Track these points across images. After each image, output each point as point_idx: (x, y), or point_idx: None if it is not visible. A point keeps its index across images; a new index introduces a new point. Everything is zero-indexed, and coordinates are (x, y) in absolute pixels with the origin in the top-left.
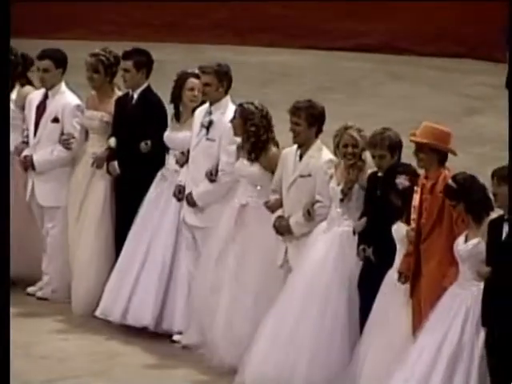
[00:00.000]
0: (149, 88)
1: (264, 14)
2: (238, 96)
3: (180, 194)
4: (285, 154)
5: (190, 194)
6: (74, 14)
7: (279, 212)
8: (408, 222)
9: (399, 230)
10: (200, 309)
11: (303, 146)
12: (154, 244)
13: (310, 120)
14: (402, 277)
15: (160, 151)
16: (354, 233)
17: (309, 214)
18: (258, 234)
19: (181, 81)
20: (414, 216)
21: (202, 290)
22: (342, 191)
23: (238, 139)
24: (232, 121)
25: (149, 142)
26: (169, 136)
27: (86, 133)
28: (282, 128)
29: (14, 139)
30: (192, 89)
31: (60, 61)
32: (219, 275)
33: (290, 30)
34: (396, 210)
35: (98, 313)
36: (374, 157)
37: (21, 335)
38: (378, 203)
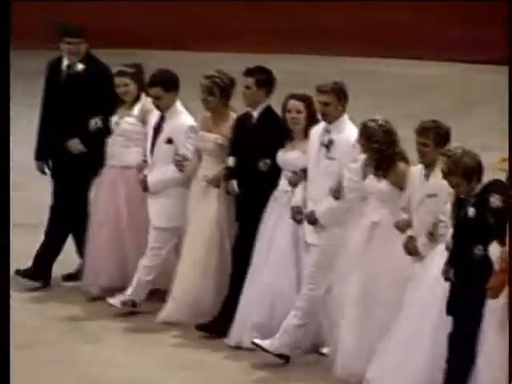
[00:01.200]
0: (269, 107)
1: (409, 27)
2: (378, 108)
3: (298, 214)
4: (412, 173)
5: (312, 212)
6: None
7: (409, 232)
8: (503, 243)
9: (494, 250)
10: (332, 323)
11: (429, 166)
12: (270, 276)
13: (437, 140)
14: (492, 292)
15: (277, 171)
16: (447, 249)
17: (431, 235)
18: (389, 250)
19: (285, 102)
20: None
21: (333, 305)
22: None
23: (362, 156)
24: (357, 139)
25: (268, 161)
26: (281, 156)
27: (199, 154)
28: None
29: (137, 152)
30: (289, 111)
31: (170, 84)
32: (349, 290)
33: (436, 43)
34: (488, 231)
35: (231, 343)
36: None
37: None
38: (469, 224)
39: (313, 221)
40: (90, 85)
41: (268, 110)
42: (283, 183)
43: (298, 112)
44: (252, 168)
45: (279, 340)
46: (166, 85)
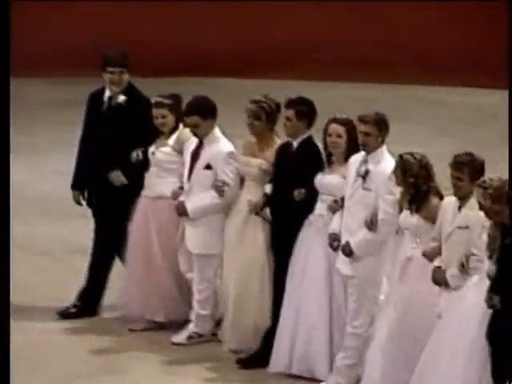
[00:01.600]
0: (309, 138)
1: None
2: (447, 135)
3: (335, 242)
4: (444, 204)
5: (347, 243)
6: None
7: (437, 262)
8: None
9: None
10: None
11: (463, 199)
12: (304, 302)
13: (472, 174)
14: None
15: (314, 199)
16: (489, 277)
17: (463, 267)
18: (422, 285)
19: (326, 125)
20: None
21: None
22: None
23: (398, 189)
24: (393, 171)
25: (303, 191)
26: (319, 179)
27: (241, 179)
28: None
29: (172, 182)
30: (330, 135)
31: (207, 112)
32: (382, 325)
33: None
34: None
35: (275, 369)
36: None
37: None
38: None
39: (348, 252)
40: (132, 116)
41: (308, 141)
42: (319, 207)
43: (339, 136)
44: (286, 196)
45: (334, 381)
46: (202, 113)
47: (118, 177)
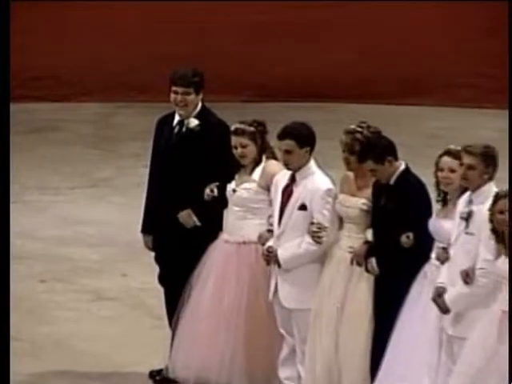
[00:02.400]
0: (407, 169)
1: None
2: None
3: (440, 297)
4: None
5: (443, 299)
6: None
7: None
8: None
9: None
10: None
11: None
12: (412, 357)
13: None
14: None
15: (425, 245)
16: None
17: None
18: None
19: (438, 159)
20: None
21: None
22: None
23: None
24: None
25: (411, 235)
26: (433, 224)
27: (340, 221)
28: None
29: (258, 224)
30: (441, 169)
31: (304, 139)
32: None
33: None
34: None
35: None
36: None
37: None
38: None
39: (444, 309)
40: (205, 145)
41: (406, 173)
42: (434, 257)
43: (452, 171)
44: (392, 243)
45: None
46: (299, 138)
47: (188, 217)
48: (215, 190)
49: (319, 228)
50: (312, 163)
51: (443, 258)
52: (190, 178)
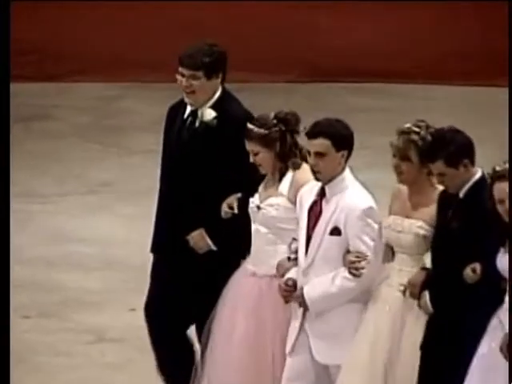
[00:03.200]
0: (481, 180)
1: None
2: None
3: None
4: None
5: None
6: None
7: None
8: None
9: None
10: None
11: None
12: None
13: None
14: None
15: (495, 282)
16: None
17: None
18: None
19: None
20: None
21: None
22: None
23: None
24: None
25: (478, 267)
26: (500, 259)
27: (391, 251)
28: None
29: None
30: (501, 201)
31: (343, 139)
32: None
33: None
34: None
35: None
36: None
37: None
38: None
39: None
40: (223, 145)
41: (482, 184)
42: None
43: None
44: (454, 276)
45: None
46: (336, 138)
47: (201, 239)
48: (235, 205)
49: (358, 257)
50: (348, 173)
51: None
52: (204, 187)
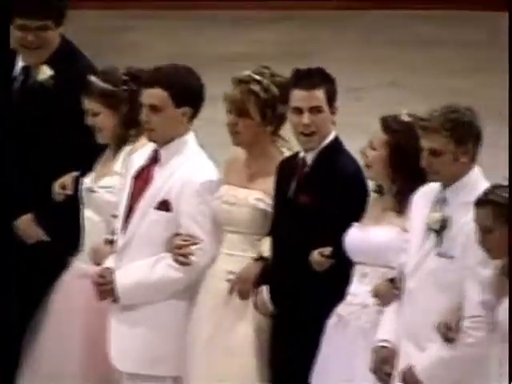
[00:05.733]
0: (336, 143)
1: None
2: None
3: (386, 366)
4: None
5: (409, 369)
6: None
7: None
8: None
9: None
10: None
11: None
12: None
13: None
14: None
15: (346, 271)
16: None
17: None
18: None
19: None
20: None
21: None
22: None
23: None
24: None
25: (327, 251)
26: (354, 236)
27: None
28: None
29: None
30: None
31: (186, 92)
32: None
33: None
34: None
35: None
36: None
37: None
38: None
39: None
40: (59, 110)
41: (335, 150)
42: (357, 288)
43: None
44: (297, 264)
45: None
46: (176, 89)
47: (29, 227)
48: (70, 185)
49: (189, 241)
50: (192, 138)
51: (386, 296)
52: (34, 162)
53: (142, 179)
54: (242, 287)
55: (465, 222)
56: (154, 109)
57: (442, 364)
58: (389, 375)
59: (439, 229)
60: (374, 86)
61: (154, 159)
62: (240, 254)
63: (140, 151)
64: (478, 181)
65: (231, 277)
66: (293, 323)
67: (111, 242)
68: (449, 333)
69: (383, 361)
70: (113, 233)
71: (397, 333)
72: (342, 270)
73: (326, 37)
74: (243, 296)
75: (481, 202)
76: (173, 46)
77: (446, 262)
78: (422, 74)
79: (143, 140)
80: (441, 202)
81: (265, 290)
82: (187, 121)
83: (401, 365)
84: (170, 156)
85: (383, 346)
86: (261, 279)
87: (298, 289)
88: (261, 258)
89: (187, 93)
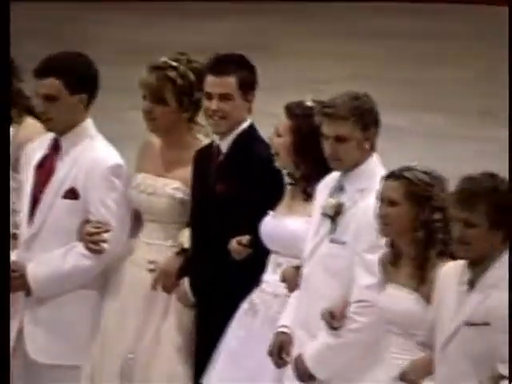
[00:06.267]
0: (250, 128)
1: None
2: None
3: (283, 351)
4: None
5: (299, 356)
6: None
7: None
8: None
9: None
10: None
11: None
12: None
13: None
14: None
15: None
16: None
17: None
18: None
19: None
20: None
21: None
22: None
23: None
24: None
25: (245, 239)
26: (268, 225)
27: (135, 219)
28: None
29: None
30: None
31: (78, 80)
32: None
33: None
34: None
35: None
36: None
37: None
38: None
39: (301, 372)
40: None
41: (251, 138)
42: (270, 276)
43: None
44: (216, 253)
45: None
46: (70, 77)
47: None
48: None
49: (100, 228)
50: (90, 123)
51: (292, 282)
52: None
53: (45, 169)
54: (165, 281)
55: (358, 208)
56: (50, 98)
57: (329, 351)
58: (284, 361)
59: (333, 214)
60: (334, 79)
61: (55, 148)
62: (160, 243)
63: (39, 141)
64: (375, 168)
65: (152, 266)
66: (212, 312)
67: (13, 236)
68: (333, 321)
69: (280, 346)
70: (14, 226)
71: (293, 320)
72: (259, 258)
73: (286, 28)
74: (167, 290)
75: (393, 176)
76: (121, 35)
77: (338, 248)
78: (383, 67)
79: (38, 128)
80: (338, 189)
81: (186, 282)
82: (84, 108)
83: (294, 352)
84: (71, 144)
85: (282, 332)
86: (181, 271)
87: (217, 278)
88: (182, 251)
89: (81, 80)
